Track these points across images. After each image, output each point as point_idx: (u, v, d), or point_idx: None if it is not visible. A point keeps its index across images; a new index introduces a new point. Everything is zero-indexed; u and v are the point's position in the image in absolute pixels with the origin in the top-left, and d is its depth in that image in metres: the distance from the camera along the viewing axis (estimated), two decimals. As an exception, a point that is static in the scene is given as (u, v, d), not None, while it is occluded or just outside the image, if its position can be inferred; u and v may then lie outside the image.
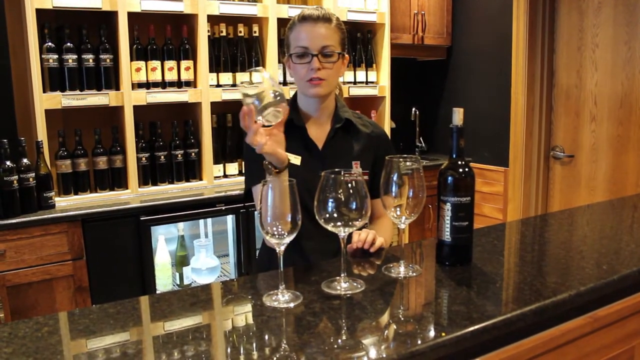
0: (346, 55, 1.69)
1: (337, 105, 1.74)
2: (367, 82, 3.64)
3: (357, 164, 1.70)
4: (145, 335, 1.12)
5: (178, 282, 3.00)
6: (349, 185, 1.19)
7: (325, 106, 1.71)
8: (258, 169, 1.53)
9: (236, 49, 3.14)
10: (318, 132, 1.71)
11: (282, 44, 3.20)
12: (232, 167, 3.19)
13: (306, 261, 1.65)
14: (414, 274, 1.35)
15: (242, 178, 1.99)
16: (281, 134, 1.42)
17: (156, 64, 2.89)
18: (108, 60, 2.77)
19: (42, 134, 2.59)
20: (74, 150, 2.75)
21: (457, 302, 1.19)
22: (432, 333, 1.05)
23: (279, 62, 3.21)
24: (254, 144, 1.35)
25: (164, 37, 2.94)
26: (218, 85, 3.08)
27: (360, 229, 1.34)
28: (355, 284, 1.27)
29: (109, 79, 2.79)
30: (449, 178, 1.34)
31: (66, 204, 2.66)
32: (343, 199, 1.19)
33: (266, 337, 1.04)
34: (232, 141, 3.19)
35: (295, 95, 1.76)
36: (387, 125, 3.72)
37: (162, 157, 2.96)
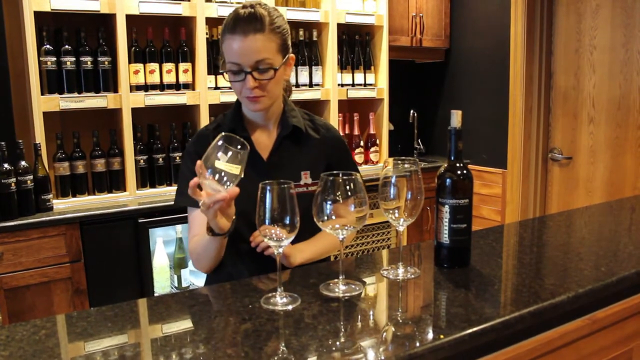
0: (291, 56, 1.53)
1: (285, 109, 1.60)
2: (365, 85, 3.64)
3: (306, 174, 1.58)
4: (143, 338, 1.12)
5: (176, 285, 3.00)
6: (347, 187, 1.19)
7: (271, 113, 1.58)
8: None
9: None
10: (264, 140, 1.59)
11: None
12: (231, 170, 3.18)
13: (244, 271, 1.56)
14: (412, 276, 1.35)
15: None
16: (232, 209, 1.33)
17: (154, 66, 2.89)
18: (106, 63, 2.77)
19: (40, 136, 2.59)
20: (72, 152, 2.75)
21: (456, 304, 1.19)
22: (430, 335, 1.05)
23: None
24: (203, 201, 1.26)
25: (162, 39, 2.94)
26: (216, 88, 3.08)
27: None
28: (353, 287, 1.27)
29: (107, 81, 2.79)
30: (447, 180, 1.34)
31: (64, 206, 2.66)
32: (341, 201, 1.19)
33: (264, 339, 1.04)
34: (230, 143, 3.19)
35: (238, 102, 1.61)
36: (386, 128, 3.72)
37: (160, 159, 2.96)
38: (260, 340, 1.03)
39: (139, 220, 2.67)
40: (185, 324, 1.15)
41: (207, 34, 3.00)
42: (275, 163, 1.56)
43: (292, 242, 1.49)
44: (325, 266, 1.46)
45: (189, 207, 1.57)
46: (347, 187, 1.19)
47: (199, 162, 1.22)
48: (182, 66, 2.97)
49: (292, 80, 3.32)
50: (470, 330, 1.05)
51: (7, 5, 2.72)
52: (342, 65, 3.55)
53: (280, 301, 1.19)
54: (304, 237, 1.55)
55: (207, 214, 1.31)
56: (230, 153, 1.23)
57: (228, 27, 1.45)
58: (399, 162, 1.30)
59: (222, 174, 1.23)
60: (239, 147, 1.23)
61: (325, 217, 1.20)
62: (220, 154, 1.23)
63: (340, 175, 1.19)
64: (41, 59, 2.63)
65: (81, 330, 1.11)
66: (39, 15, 2.58)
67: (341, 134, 3.62)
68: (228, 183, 1.24)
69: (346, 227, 1.22)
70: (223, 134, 1.25)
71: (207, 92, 3.01)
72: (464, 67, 4.13)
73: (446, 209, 1.35)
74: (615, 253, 1.51)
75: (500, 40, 3.77)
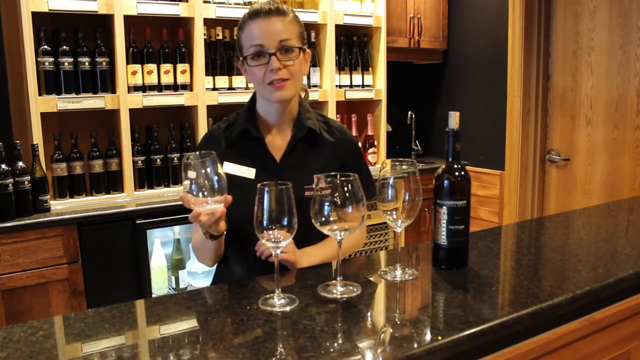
0: (307, 50, 1.52)
1: (301, 111, 1.57)
2: (363, 86, 3.64)
3: (319, 177, 1.59)
4: (140, 339, 1.12)
5: (174, 286, 2.99)
6: (345, 189, 1.19)
7: (288, 111, 1.55)
8: None
9: (232, 52, 3.14)
10: (278, 141, 1.56)
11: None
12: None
13: (252, 273, 1.53)
14: (410, 277, 1.35)
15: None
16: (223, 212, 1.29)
17: (152, 67, 2.89)
18: (104, 64, 2.77)
19: (37, 137, 2.59)
20: (70, 153, 2.74)
21: (454, 305, 1.19)
22: (428, 337, 1.05)
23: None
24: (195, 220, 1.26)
25: (160, 40, 2.94)
26: (214, 89, 3.08)
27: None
28: (351, 288, 1.27)
29: (105, 82, 2.78)
30: (445, 182, 1.35)
31: (62, 207, 2.65)
32: (339, 202, 1.19)
33: (262, 341, 1.04)
34: (228, 144, 3.18)
35: (251, 101, 1.59)
36: (383, 129, 3.73)
37: (158, 160, 2.96)
38: (258, 342, 1.03)
39: (137, 222, 2.67)
40: (183, 325, 1.15)
41: (205, 34, 3.00)
42: (288, 165, 1.54)
43: (302, 247, 1.49)
44: (323, 268, 1.46)
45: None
46: (345, 189, 1.19)
47: (182, 196, 1.23)
48: (180, 67, 2.96)
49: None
50: (468, 332, 1.05)
51: (5, 5, 2.71)
52: (340, 67, 3.55)
53: (278, 302, 1.19)
54: (314, 240, 1.55)
55: (207, 229, 1.34)
56: (200, 166, 1.22)
57: (248, 16, 1.46)
58: (397, 163, 1.30)
59: (204, 189, 1.23)
60: (199, 158, 1.22)
61: (323, 219, 1.20)
62: (191, 173, 1.22)
63: (338, 177, 1.19)
64: (39, 59, 2.62)
65: (79, 332, 1.10)
66: (36, 16, 2.58)
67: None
68: (216, 187, 1.23)
69: (345, 229, 1.22)
70: (184, 160, 1.23)
71: (205, 93, 3.01)
72: (461, 68, 4.13)
73: (444, 210, 1.35)
74: (613, 254, 1.51)
75: (498, 41, 3.78)
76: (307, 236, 1.39)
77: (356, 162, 1.66)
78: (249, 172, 1.52)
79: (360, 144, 3.69)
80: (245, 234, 1.51)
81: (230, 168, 1.52)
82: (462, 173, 1.35)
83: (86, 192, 2.81)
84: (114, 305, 1.22)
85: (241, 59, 1.51)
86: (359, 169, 1.61)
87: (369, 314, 1.19)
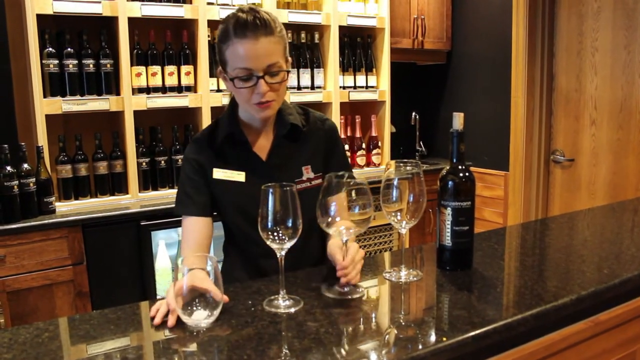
0: (289, 59, 1.48)
1: (282, 107, 1.56)
2: (367, 87, 3.64)
3: (307, 168, 1.56)
4: (145, 341, 1.12)
5: (178, 287, 2.99)
6: (352, 190, 1.19)
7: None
8: (190, 198, 1.49)
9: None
10: (262, 142, 1.56)
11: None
12: (233, 172, 3.18)
13: (252, 274, 1.55)
14: (415, 278, 1.35)
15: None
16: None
17: (156, 69, 2.90)
18: (108, 66, 2.77)
19: (42, 139, 2.59)
20: (75, 155, 2.75)
21: (458, 306, 1.18)
22: (433, 338, 1.05)
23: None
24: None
25: (164, 42, 2.94)
26: (218, 90, 3.08)
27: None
28: (356, 289, 1.27)
29: (110, 84, 2.79)
30: (450, 183, 1.35)
31: (66, 209, 2.66)
32: (345, 203, 1.19)
33: (267, 342, 1.04)
34: (232, 146, 3.19)
35: (232, 104, 1.57)
36: (387, 130, 3.72)
37: (163, 162, 2.96)
38: (263, 343, 1.03)
39: (141, 223, 2.67)
40: (188, 327, 1.15)
41: (209, 36, 3.00)
42: (275, 163, 1.54)
43: (304, 242, 1.49)
44: (327, 269, 1.46)
45: (183, 215, 1.55)
46: (352, 190, 1.19)
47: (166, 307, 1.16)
48: (184, 69, 2.97)
49: (294, 83, 3.33)
50: (472, 333, 1.05)
51: (10, 8, 2.73)
52: (344, 68, 3.55)
53: (283, 304, 1.19)
54: (316, 235, 1.56)
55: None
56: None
57: (233, 31, 1.38)
58: (401, 164, 1.30)
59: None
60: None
61: (329, 219, 1.20)
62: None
63: (345, 178, 1.19)
64: (43, 61, 2.63)
65: (84, 333, 1.11)
66: (41, 18, 2.58)
67: (343, 136, 3.62)
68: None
69: (350, 230, 1.22)
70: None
71: (209, 95, 3.02)
72: (465, 69, 4.12)
73: (448, 211, 1.35)
74: (618, 255, 1.51)
75: (502, 42, 3.77)
76: (309, 231, 1.39)
77: (336, 149, 1.64)
78: (238, 176, 1.52)
79: (364, 145, 3.69)
80: (244, 235, 1.52)
81: (220, 174, 1.53)
82: (467, 174, 1.35)
83: (91, 193, 2.81)
84: (119, 307, 1.22)
85: (223, 71, 1.47)
86: (336, 150, 1.63)
87: (373, 315, 1.19)
